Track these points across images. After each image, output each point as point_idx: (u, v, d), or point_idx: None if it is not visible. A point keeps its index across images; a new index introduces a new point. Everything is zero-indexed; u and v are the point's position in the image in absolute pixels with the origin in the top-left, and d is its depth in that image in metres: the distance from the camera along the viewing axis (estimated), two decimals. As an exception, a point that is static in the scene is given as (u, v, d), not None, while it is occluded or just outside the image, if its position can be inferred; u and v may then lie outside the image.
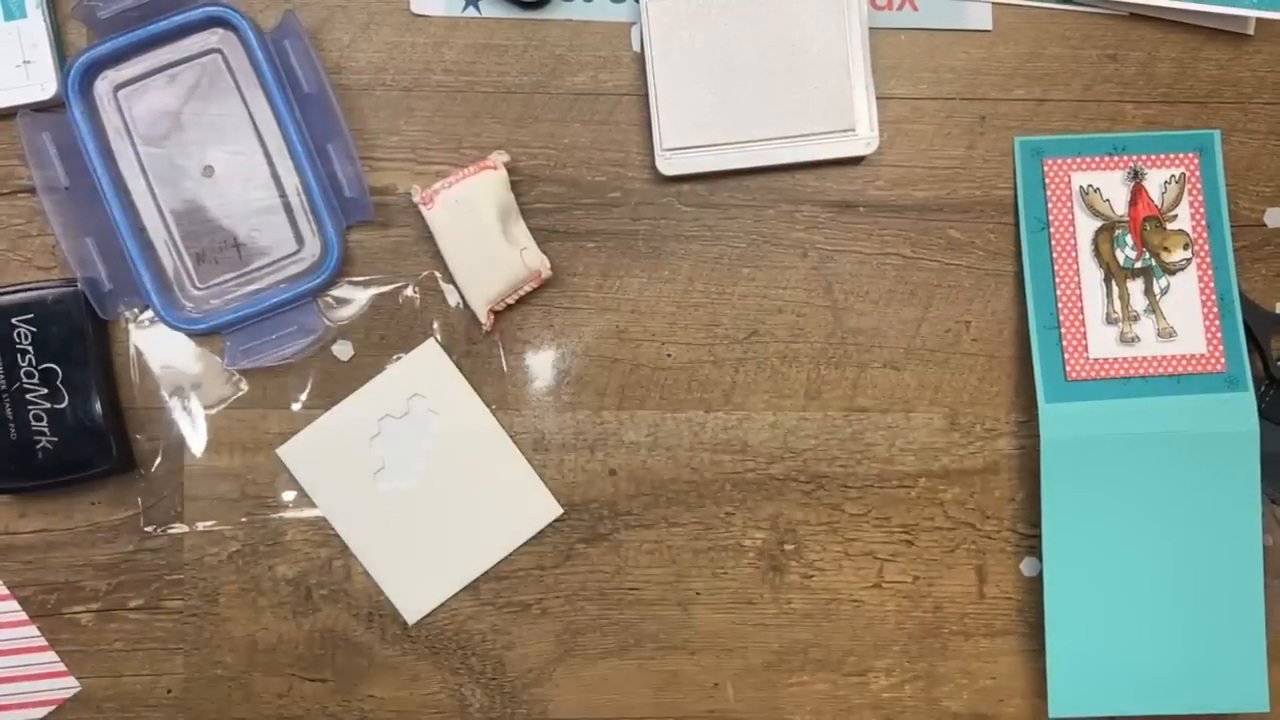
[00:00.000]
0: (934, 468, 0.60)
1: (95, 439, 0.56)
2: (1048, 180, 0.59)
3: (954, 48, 0.60)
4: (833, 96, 0.58)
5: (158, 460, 0.58)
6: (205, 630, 0.59)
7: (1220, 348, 0.58)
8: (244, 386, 0.58)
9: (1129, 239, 0.59)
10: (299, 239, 0.57)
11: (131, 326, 0.58)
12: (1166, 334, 0.58)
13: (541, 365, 0.59)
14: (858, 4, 0.57)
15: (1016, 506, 0.60)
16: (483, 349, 0.59)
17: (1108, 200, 0.59)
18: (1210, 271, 0.59)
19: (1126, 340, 0.59)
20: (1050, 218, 0.59)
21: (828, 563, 0.60)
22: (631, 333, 0.59)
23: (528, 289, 0.58)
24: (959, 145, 0.60)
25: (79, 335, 0.56)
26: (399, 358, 0.58)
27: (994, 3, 0.60)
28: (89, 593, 0.58)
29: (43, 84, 0.56)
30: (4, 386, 0.55)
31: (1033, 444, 0.60)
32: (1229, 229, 0.59)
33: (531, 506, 0.59)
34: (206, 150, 0.57)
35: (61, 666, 0.58)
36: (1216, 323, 0.59)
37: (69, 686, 0.58)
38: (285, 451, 0.58)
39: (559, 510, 0.59)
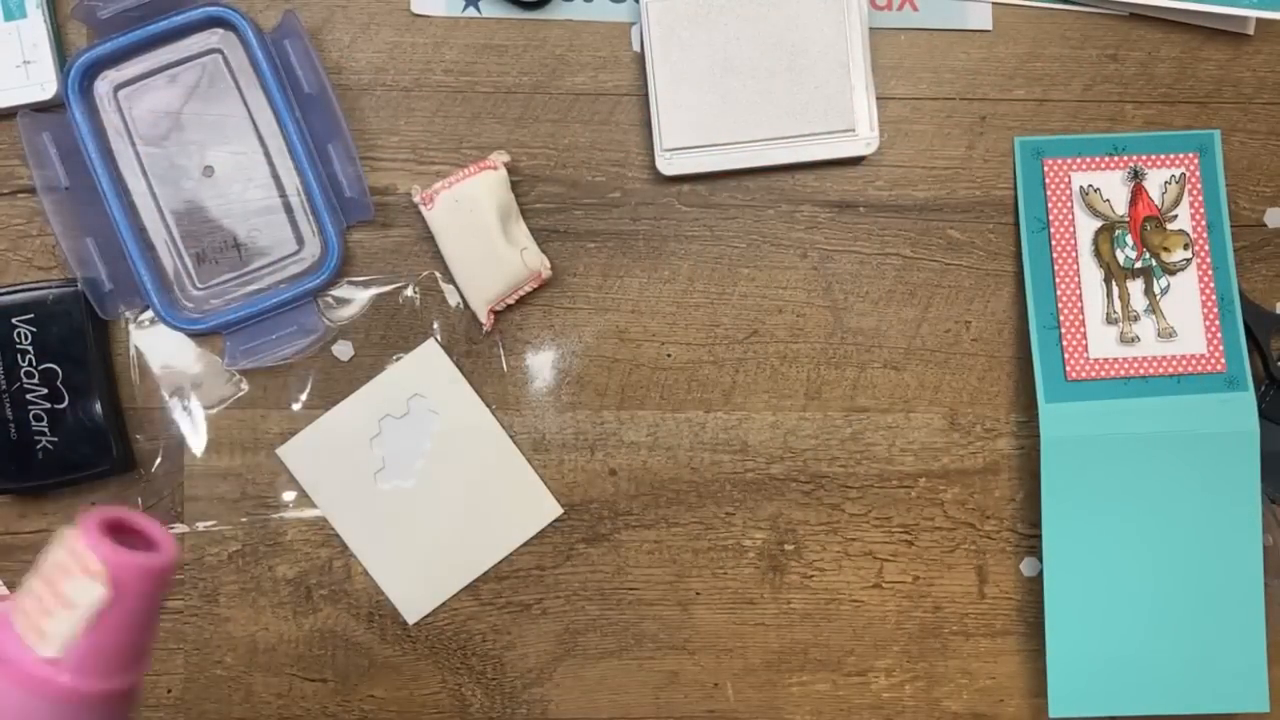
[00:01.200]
0: (934, 468, 0.60)
1: (95, 439, 0.56)
2: (1048, 180, 0.59)
3: (954, 48, 0.60)
4: (833, 97, 0.58)
5: (158, 460, 0.58)
6: (205, 630, 0.59)
7: (1220, 348, 0.58)
8: (244, 386, 0.58)
9: (1129, 239, 0.59)
10: (299, 239, 0.57)
11: (131, 326, 0.58)
12: (1166, 334, 0.58)
13: (541, 365, 0.59)
14: (858, 4, 0.57)
15: (1016, 506, 0.60)
16: (483, 349, 0.59)
17: (1108, 200, 0.59)
18: (1210, 271, 0.59)
19: (1126, 340, 0.59)
20: (1050, 218, 0.59)
21: (828, 563, 0.60)
22: (631, 333, 0.59)
23: (528, 289, 0.58)
24: (959, 145, 0.60)
25: (79, 335, 0.56)
26: (399, 358, 0.58)
27: (994, 3, 0.60)
28: (89, 593, 0.58)
29: (43, 84, 0.56)
30: (4, 386, 0.55)
31: (1033, 444, 0.60)
32: (1229, 229, 0.59)
33: (531, 506, 0.59)
34: (206, 150, 0.57)
35: (62, 666, 0.58)
36: (1216, 323, 0.59)
37: (69, 686, 0.58)
38: (285, 451, 0.58)
39: (559, 510, 0.59)
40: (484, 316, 0.58)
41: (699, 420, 0.59)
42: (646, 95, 0.58)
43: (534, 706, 0.60)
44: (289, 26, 0.56)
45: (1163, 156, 0.59)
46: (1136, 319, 0.59)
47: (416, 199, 0.56)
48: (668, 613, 0.60)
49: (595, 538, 0.59)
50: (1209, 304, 0.59)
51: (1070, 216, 0.59)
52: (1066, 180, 0.59)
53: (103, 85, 0.56)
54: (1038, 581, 0.60)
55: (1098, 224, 0.59)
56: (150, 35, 0.55)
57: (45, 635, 0.30)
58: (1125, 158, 0.59)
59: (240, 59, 0.56)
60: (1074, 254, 0.59)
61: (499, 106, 0.59)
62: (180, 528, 0.58)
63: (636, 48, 0.59)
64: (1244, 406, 0.58)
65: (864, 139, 0.58)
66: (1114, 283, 0.59)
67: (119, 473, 0.57)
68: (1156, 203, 0.59)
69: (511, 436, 0.59)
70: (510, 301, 0.58)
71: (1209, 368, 0.58)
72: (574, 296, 0.59)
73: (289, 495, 0.59)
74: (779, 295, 0.59)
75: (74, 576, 0.31)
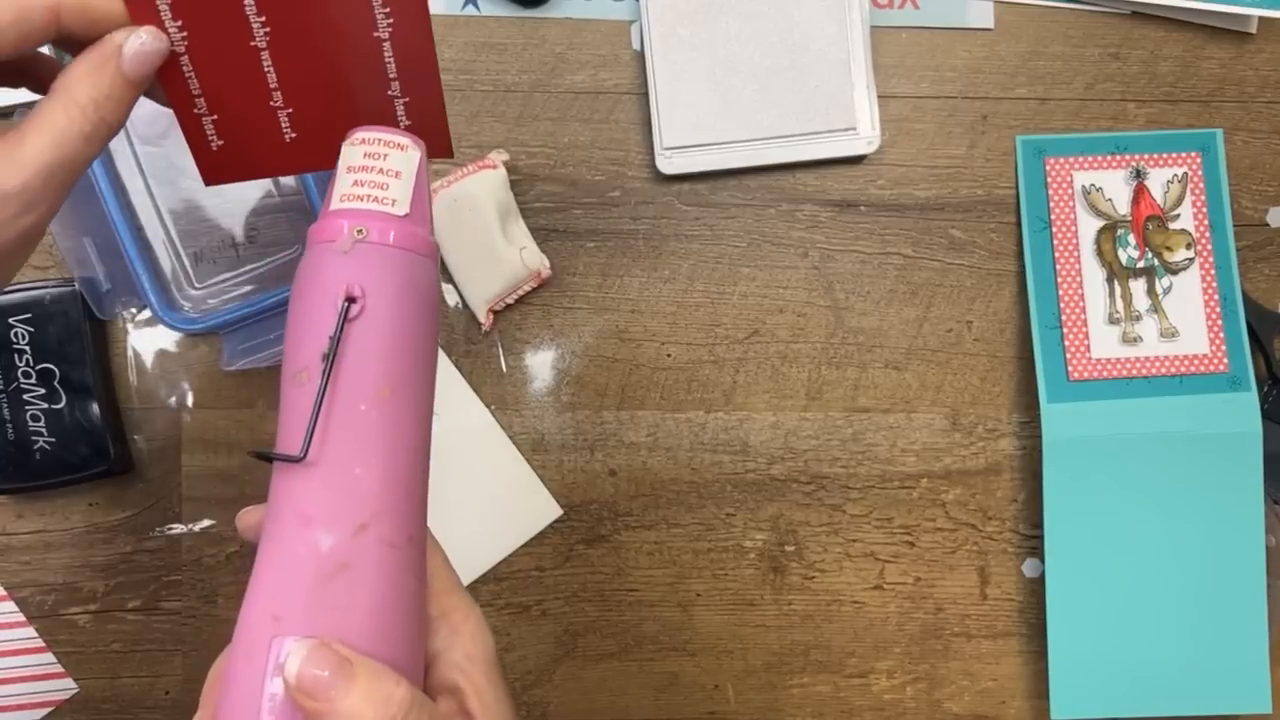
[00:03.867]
0: (935, 468, 0.60)
1: (93, 439, 0.56)
2: (1050, 179, 0.59)
3: (955, 46, 0.59)
4: (834, 95, 0.57)
5: (156, 461, 0.58)
6: (203, 631, 0.59)
7: (1223, 348, 0.58)
8: (243, 386, 0.58)
9: (1131, 239, 0.59)
10: (297, 238, 0.57)
11: (129, 326, 0.58)
12: (1169, 334, 0.58)
13: (541, 365, 0.59)
14: (859, 2, 0.57)
15: (1018, 507, 0.60)
16: (482, 349, 0.59)
17: (1110, 200, 0.59)
18: (1213, 271, 0.59)
19: (1129, 340, 0.58)
20: (1052, 217, 0.59)
21: (829, 564, 0.60)
22: (631, 333, 0.59)
23: (527, 289, 0.58)
24: (961, 144, 0.59)
25: (76, 335, 0.56)
26: (398, 358, 0.58)
27: (996, 1, 0.59)
28: (87, 594, 0.58)
29: (40, 83, 0.55)
30: (1, 387, 0.55)
31: (1035, 444, 0.59)
32: (1231, 228, 0.59)
33: (531, 507, 0.59)
34: (204, 149, 0.57)
35: (59, 668, 0.58)
36: (1219, 323, 0.58)
37: (67, 688, 0.58)
38: (284, 452, 0.58)
39: (559, 511, 0.59)
40: (483, 316, 0.57)
41: (699, 420, 0.59)
42: (646, 94, 0.57)
43: (534, 708, 0.59)
44: (287, 25, 0.55)
45: (1165, 156, 0.59)
46: (1139, 319, 0.58)
47: (415, 198, 0.56)
48: (668, 614, 0.59)
49: (595, 539, 0.59)
50: (1211, 304, 0.58)
51: (1072, 216, 0.59)
52: (1069, 179, 0.59)
53: (100, 84, 0.56)
54: (1040, 583, 0.60)
55: (1100, 223, 0.59)
56: (148, 34, 0.55)
57: (394, 203, 0.34)
58: (1127, 157, 0.59)
59: (238, 57, 0.56)
60: (1076, 253, 0.59)
61: (498, 105, 0.58)
62: (178, 528, 0.58)
63: (636, 46, 0.58)
64: (1246, 407, 0.58)
65: (865, 138, 0.58)
66: (1116, 282, 0.59)
67: (117, 473, 0.57)
68: (1159, 202, 0.59)
69: (511, 437, 0.59)
70: (509, 301, 0.58)
71: (1211, 368, 0.58)
72: (573, 296, 0.59)
73: (287, 496, 0.58)
74: (780, 295, 0.59)
75: (390, 154, 0.34)
